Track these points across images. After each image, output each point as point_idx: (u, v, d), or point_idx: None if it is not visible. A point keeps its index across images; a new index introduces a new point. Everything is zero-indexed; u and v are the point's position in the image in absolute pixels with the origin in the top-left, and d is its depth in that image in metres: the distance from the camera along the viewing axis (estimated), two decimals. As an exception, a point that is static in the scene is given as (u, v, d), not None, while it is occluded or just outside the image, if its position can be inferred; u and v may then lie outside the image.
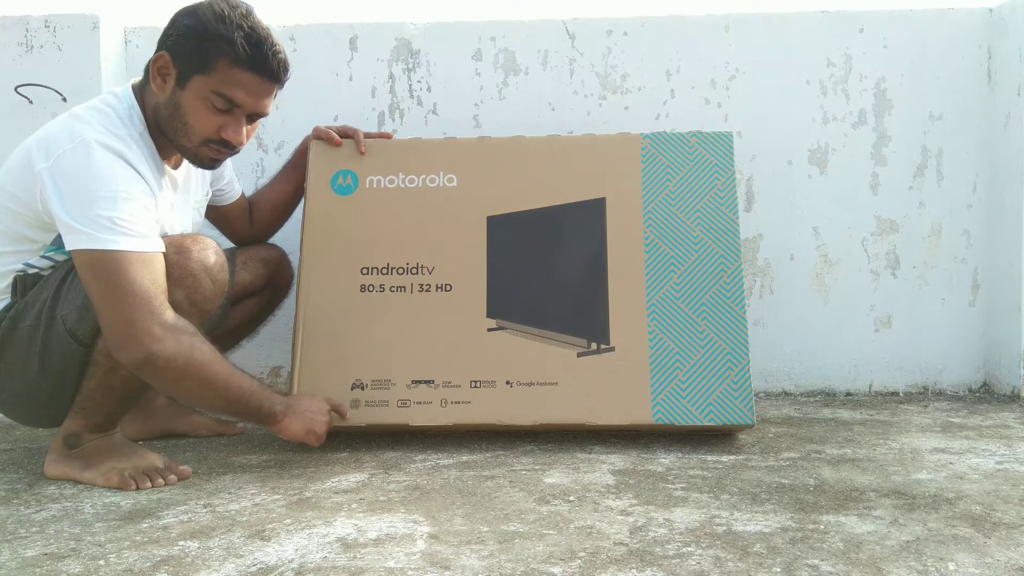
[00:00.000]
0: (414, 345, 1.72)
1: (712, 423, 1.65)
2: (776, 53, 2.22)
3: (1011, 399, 2.11)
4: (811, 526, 1.19)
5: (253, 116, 1.51)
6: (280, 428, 1.52)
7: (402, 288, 1.76)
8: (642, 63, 2.23)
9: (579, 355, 1.71)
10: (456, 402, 1.68)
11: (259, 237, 1.92)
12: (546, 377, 1.69)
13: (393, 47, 2.24)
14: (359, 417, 1.68)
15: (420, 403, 1.68)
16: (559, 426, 1.69)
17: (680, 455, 1.60)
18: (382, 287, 1.76)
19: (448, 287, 1.75)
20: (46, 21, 2.19)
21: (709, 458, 1.58)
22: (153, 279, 1.37)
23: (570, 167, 1.83)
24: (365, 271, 1.77)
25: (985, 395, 2.20)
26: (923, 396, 2.20)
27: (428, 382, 1.70)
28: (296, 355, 1.71)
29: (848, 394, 2.23)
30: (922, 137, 2.22)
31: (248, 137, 1.52)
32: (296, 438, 1.54)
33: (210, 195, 1.77)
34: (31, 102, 2.16)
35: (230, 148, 1.51)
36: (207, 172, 1.73)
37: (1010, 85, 2.14)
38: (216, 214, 1.84)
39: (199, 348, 1.39)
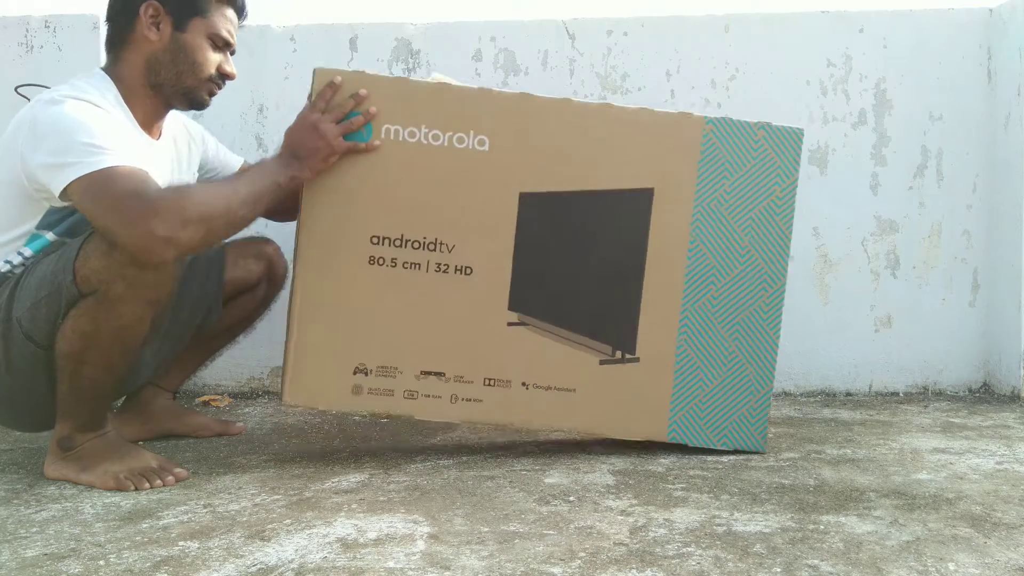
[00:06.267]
0: (426, 332, 1.56)
1: (724, 447, 1.61)
2: (776, 53, 2.22)
3: (1011, 399, 2.11)
4: (811, 526, 1.19)
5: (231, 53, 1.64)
6: (302, 176, 1.49)
7: (417, 265, 1.56)
8: (642, 63, 2.23)
9: (601, 363, 1.60)
10: (467, 399, 1.57)
11: (291, 214, 1.89)
12: (564, 383, 1.59)
13: (393, 47, 2.24)
14: (361, 405, 1.56)
15: (428, 396, 1.56)
16: (573, 434, 1.65)
17: (680, 455, 1.60)
18: (394, 261, 1.55)
19: (468, 270, 1.57)
20: (46, 21, 2.19)
21: (709, 458, 1.58)
22: (139, 180, 1.36)
23: (620, 145, 1.59)
24: (375, 240, 1.55)
25: (985, 395, 2.20)
26: (923, 396, 2.20)
27: (439, 374, 1.57)
28: (292, 330, 1.55)
29: (848, 394, 2.23)
30: (922, 137, 2.22)
31: None
32: (320, 162, 1.50)
33: (197, 177, 1.78)
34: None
35: (224, 82, 1.63)
36: (195, 155, 1.75)
37: (1010, 85, 2.14)
38: None
39: (191, 195, 1.39)
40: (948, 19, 2.21)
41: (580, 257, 1.60)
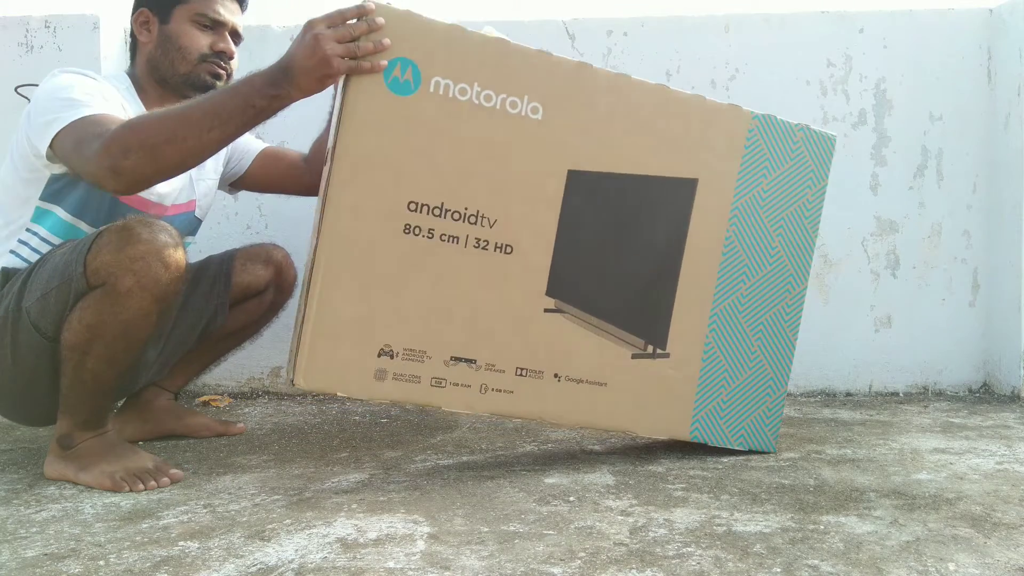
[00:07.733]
0: (460, 314, 1.42)
1: (740, 447, 1.60)
2: (776, 53, 2.22)
3: (1011, 399, 2.11)
4: (811, 526, 1.19)
5: (233, 34, 1.68)
6: (288, 96, 1.36)
7: (455, 239, 1.41)
8: (642, 63, 2.23)
9: (633, 356, 1.53)
10: (497, 390, 1.44)
11: (312, 189, 1.82)
12: (596, 376, 1.50)
13: (393, 47, 2.24)
14: (383, 392, 1.39)
15: (457, 385, 1.42)
16: (600, 430, 1.65)
17: (680, 455, 1.60)
18: (431, 232, 1.39)
19: (508, 249, 1.43)
20: (46, 21, 2.19)
21: (709, 458, 1.58)
22: (104, 122, 1.39)
23: (670, 130, 1.52)
24: (413, 207, 1.38)
25: (985, 395, 2.20)
26: (923, 396, 2.20)
27: (470, 362, 1.43)
28: (311, 304, 1.35)
29: (848, 394, 2.23)
30: (922, 137, 2.22)
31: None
32: (314, 80, 1.33)
33: (220, 172, 1.81)
34: (31, 102, 2.16)
35: (226, 60, 1.66)
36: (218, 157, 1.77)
37: (1010, 85, 2.14)
38: (253, 182, 1.86)
39: (136, 123, 1.37)
40: (948, 19, 2.21)
41: (621, 244, 1.51)
